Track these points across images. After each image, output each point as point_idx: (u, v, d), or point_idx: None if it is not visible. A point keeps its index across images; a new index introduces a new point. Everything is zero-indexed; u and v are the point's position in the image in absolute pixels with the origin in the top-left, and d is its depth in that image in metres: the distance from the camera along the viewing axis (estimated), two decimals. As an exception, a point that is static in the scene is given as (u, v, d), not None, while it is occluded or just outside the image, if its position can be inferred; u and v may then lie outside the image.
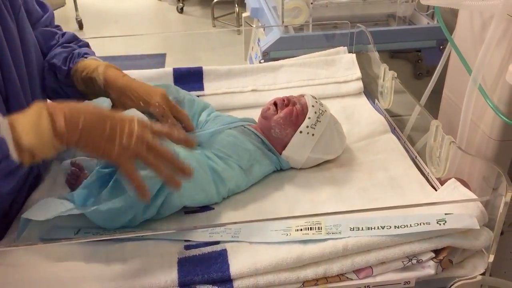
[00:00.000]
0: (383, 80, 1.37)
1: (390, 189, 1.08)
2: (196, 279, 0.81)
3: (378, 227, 0.85)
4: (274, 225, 0.90)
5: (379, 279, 0.83)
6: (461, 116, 1.14)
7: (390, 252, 0.83)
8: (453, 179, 0.98)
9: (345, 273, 0.83)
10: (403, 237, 0.83)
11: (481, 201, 0.87)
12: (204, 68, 1.51)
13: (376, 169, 1.15)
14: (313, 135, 1.11)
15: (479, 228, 0.84)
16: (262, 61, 1.77)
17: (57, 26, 1.26)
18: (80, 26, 4.39)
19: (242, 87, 1.49)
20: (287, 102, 1.13)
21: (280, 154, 1.13)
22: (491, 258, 0.86)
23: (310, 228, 0.87)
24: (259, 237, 0.88)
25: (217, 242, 0.89)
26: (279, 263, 0.81)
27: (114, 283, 0.80)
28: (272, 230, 0.89)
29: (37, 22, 1.17)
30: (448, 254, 0.84)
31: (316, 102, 1.15)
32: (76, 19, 4.36)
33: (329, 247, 0.83)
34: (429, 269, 0.83)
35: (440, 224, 0.83)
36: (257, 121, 1.19)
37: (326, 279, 0.82)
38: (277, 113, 1.12)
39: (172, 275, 0.81)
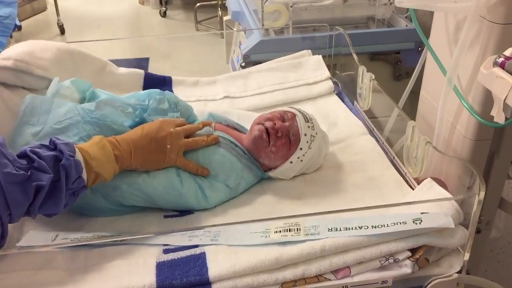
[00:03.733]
0: (362, 82, 1.39)
1: (368, 189, 1.09)
2: (175, 283, 0.81)
3: (356, 227, 0.86)
4: (253, 227, 0.90)
5: (357, 279, 0.84)
6: (437, 117, 1.16)
7: (367, 252, 0.84)
8: (429, 178, 0.99)
9: (323, 274, 0.84)
10: (380, 236, 0.84)
11: (456, 200, 0.88)
12: (174, 78, 1.53)
13: (355, 170, 1.16)
14: (301, 161, 1.11)
15: (454, 227, 0.85)
16: (243, 64, 1.78)
17: None
18: (62, 31, 4.36)
19: (213, 95, 1.49)
20: (281, 134, 1.08)
21: (265, 171, 1.13)
22: (467, 256, 0.87)
23: (289, 229, 0.88)
24: (239, 240, 0.88)
25: (196, 246, 0.89)
26: (257, 265, 0.82)
27: (93, 288, 0.80)
28: (252, 232, 0.89)
29: None
30: (424, 253, 0.85)
31: (308, 127, 1.11)
32: (58, 23, 4.32)
33: (307, 248, 0.83)
34: (406, 268, 0.84)
35: (416, 224, 0.84)
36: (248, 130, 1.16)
37: (304, 280, 0.83)
38: (269, 144, 1.08)
39: (150, 279, 0.81)
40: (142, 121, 1.10)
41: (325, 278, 0.84)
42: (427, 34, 1.23)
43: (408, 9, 1.96)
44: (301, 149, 1.10)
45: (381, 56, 1.88)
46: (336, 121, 1.35)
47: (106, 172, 0.92)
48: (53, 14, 4.40)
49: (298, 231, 0.87)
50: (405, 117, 1.12)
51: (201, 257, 0.85)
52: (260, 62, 1.83)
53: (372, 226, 0.85)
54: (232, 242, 0.88)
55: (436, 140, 1.19)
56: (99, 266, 0.85)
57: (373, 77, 1.32)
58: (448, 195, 0.92)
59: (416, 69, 1.45)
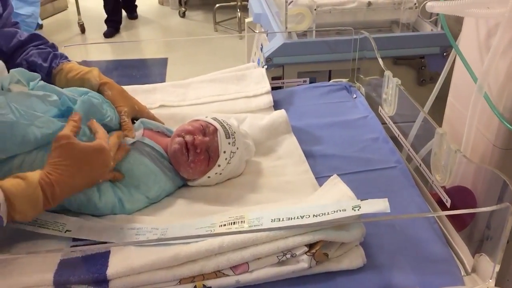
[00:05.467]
0: (387, 87, 1.37)
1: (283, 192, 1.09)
2: (72, 279, 0.81)
3: (298, 217, 0.87)
4: (199, 223, 0.91)
5: (255, 274, 0.85)
6: (466, 124, 1.14)
7: (265, 247, 0.84)
8: (335, 175, 1.00)
9: (222, 270, 0.84)
10: (278, 232, 0.85)
11: (486, 211, 0.87)
12: None
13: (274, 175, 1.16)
14: (220, 174, 1.10)
15: (389, 211, 0.84)
16: (266, 66, 1.77)
17: (16, 24, 1.27)
18: (82, 30, 4.38)
19: (150, 103, 1.42)
20: (200, 150, 1.06)
21: (186, 179, 1.12)
22: (497, 267, 0.85)
23: (234, 222, 0.89)
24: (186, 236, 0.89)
25: (104, 243, 0.89)
26: (155, 262, 0.82)
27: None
28: (198, 228, 0.90)
29: None
30: (321, 248, 0.85)
31: (229, 143, 1.09)
32: (78, 23, 4.35)
33: (205, 245, 0.84)
34: (303, 263, 0.85)
35: (355, 210, 0.85)
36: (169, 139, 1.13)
37: (202, 276, 0.84)
38: (188, 158, 1.07)
39: (48, 275, 0.81)
40: (68, 110, 1.03)
41: (224, 274, 0.84)
42: (454, 39, 1.21)
43: (432, 13, 1.95)
44: (219, 165, 1.09)
45: (405, 60, 1.85)
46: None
47: (27, 219, 0.88)
48: (74, 13, 4.43)
49: (243, 223, 0.88)
50: (434, 125, 1.10)
51: (105, 256, 0.85)
52: (282, 65, 1.83)
53: (314, 215, 0.86)
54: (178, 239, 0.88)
55: (464, 148, 1.17)
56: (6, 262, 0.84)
57: (400, 82, 1.30)
58: (350, 193, 0.93)
59: (442, 74, 1.42)
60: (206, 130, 1.10)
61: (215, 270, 0.83)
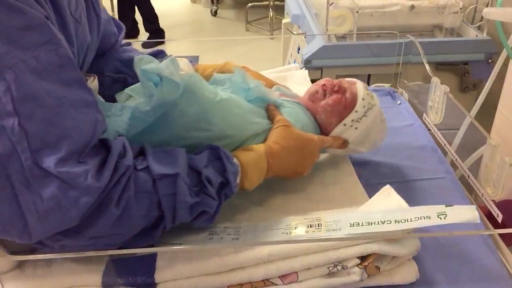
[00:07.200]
0: (434, 94, 1.33)
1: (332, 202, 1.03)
2: (120, 281, 0.80)
3: (378, 222, 0.82)
4: (274, 224, 0.88)
5: (304, 284, 0.81)
6: (519, 136, 1.09)
7: (315, 258, 0.81)
8: (387, 185, 0.95)
9: (270, 279, 0.81)
10: (332, 242, 0.81)
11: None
12: None
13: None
14: (356, 128, 1.06)
15: (479, 222, 0.81)
16: (303, 68, 1.74)
17: (129, 44, 1.25)
18: (115, 27, 4.42)
19: None
20: (337, 88, 1.06)
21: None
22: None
23: (310, 225, 0.86)
24: (261, 238, 0.86)
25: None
26: (202, 267, 0.80)
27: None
28: (273, 229, 0.87)
29: (116, 43, 1.18)
30: (373, 261, 0.82)
31: (368, 94, 1.08)
32: (112, 19, 4.39)
33: (254, 252, 0.81)
34: (354, 275, 0.81)
35: (441, 218, 0.80)
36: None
37: (250, 284, 0.81)
38: (325, 98, 1.06)
39: (96, 275, 0.80)
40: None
41: (272, 283, 0.81)
42: (499, 47, 1.17)
43: (474, 18, 1.90)
44: (356, 111, 1.06)
45: (448, 66, 1.81)
46: None
47: (251, 188, 0.92)
48: (108, 11, 4.48)
49: (320, 227, 0.85)
50: (486, 135, 1.06)
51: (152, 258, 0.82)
52: (321, 68, 1.80)
53: (395, 221, 0.82)
54: (252, 239, 0.86)
55: (516, 160, 1.12)
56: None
57: (448, 89, 1.26)
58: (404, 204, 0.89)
59: (488, 81, 1.38)
60: (344, 81, 1.10)
61: (263, 278, 0.81)
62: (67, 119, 0.71)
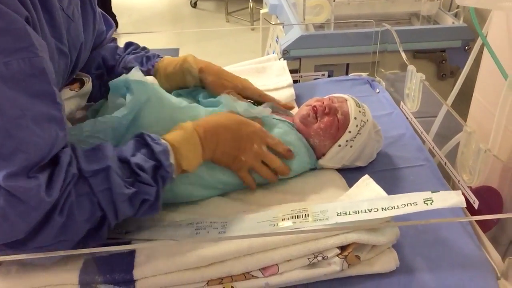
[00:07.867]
0: (410, 82, 1.33)
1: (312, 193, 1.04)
2: (98, 279, 0.79)
3: (365, 210, 0.83)
4: (260, 217, 0.88)
5: (285, 276, 0.82)
6: (494, 123, 1.10)
7: (295, 249, 0.81)
8: (366, 175, 0.96)
9: (251, 271, 0.81)
10: (311, 233, 0.82)
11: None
12: None
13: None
14: (351, 147, 1.06)
15: (465, 206, 0.81)
16: (282, 59, 1.73)
17: (114, 39, 1.25)
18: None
19: None
20: (328, 110, 1.06)
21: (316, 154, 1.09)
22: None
23: (297, 216, 0.85)
24: (247, 230, 0.86)
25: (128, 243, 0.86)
26: (182, 262, 0.80)
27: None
28: (259, 221, 0.87)
29: (103, 41, 1.18)
30: (353, 250, 0.82)
31: (359, 112, 1.07)
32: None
33: (234, 246, 0.81)
34: (334, 266, 0.82)
35: (427, 204, 0.81)
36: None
37: (231, 277, 0.81)
38: (317, 121, 1.06)
39: (73, 274, 0.80)
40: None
41: (253, 276, 0.82)
42: (475, 34, 1.17)
43: (451, 5, 1.91)
44: (349, 132, 1.05)
45: (425, 54, 1.81)
46: None
47: (191, 168, 0.91)
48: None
49: (307, 217, 0.85)
50: (462, 123, 1.06)
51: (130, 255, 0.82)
52: (299, 58, 1.79)
53: (382, 209, 0.82)
54: (239, 233, 0.86)
55: (492, 147, 1.13)
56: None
57: (424, 77, 1.26)
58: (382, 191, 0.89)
59: (464, 69, 1.39)
60: (334, 99, 1.09)
61: (243, 271, 0.81)
62: (25, 132, 0.69)
